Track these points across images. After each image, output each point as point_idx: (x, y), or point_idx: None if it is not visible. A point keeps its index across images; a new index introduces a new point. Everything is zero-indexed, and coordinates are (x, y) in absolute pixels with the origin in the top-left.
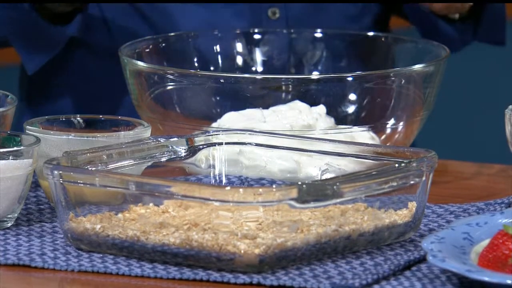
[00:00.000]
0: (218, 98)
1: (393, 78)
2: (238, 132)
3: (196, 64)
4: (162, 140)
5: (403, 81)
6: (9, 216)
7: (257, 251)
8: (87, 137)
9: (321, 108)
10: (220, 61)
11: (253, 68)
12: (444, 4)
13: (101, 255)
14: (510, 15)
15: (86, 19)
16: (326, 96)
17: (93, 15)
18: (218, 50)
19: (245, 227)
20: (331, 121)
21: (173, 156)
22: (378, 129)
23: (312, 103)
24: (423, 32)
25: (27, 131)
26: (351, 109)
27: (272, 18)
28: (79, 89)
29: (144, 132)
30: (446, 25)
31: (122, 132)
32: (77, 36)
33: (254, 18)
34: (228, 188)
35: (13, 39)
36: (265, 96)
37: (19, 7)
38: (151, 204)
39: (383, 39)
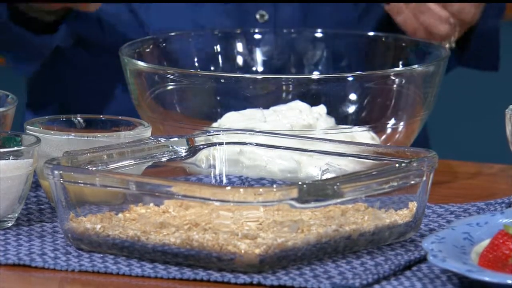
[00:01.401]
0: (218, 98)
1: (393, 78)
2: (239, 132)
3: (196, 64)
4: (162, 140)
5: (404, 81)
6: (9, 216)
7: (257, 251)
8: (87, 137)
9: (322, 108)
10: (220, 61)
11: (254, 68)
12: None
13: (101, 255)
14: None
15: (71, 28)
16: (327, 96)
17: (88, 16)
18: (219, 50)
19: (246, 227)
20: (331, 121)
21: (173, 156)
22: (378, 129)
23: (313, 103)
24: None
25: (27, 131)
26: (351, 109)
27: (260, 20)
28: (79, 85)
29: (144, 132)
30: None
31: (123, 132)
32: (61, 46)
33: (242, 20)
34: (229, 188)
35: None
36: (266, 96)
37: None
38: (151, 204)
39: (383, 39)
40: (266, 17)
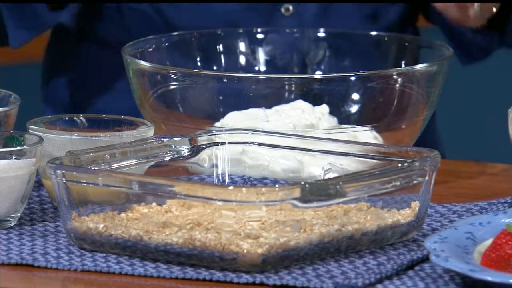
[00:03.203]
0: (221, 97)
1: (396, 78)
2: (241, 131)
3: (199, 64)
4: (165, 139)
5: (406, 80)
6: (12, 215)
7: (260, 250)
8: (90, 136)
9: (324, 108)
10: (223, 60)
11: (256, 68)
12: (458, 16)
13: (104, 255)
14: None
15: (82, 10)
16: (329, 95)
17: (108, 7)
18: (221, 49)
19: (248, 226)
20: (334, 120)
21: (176, 156)
22: (381, 129)
23: (315, 102)
24: (450, 39)
25: (30, 130)
26: (354, 108)
27: (286, 14)
28: (92, 83)
29: (147, 131)
30: (472, 33)
31: (125, 132)
32: (66, 25)
33: (267, 14)
34: (231, 187)
35: (5, 9)
36: (268, 96)
37: None
38: (154, 204)
39: (386, 39)
40: (291, 11)
